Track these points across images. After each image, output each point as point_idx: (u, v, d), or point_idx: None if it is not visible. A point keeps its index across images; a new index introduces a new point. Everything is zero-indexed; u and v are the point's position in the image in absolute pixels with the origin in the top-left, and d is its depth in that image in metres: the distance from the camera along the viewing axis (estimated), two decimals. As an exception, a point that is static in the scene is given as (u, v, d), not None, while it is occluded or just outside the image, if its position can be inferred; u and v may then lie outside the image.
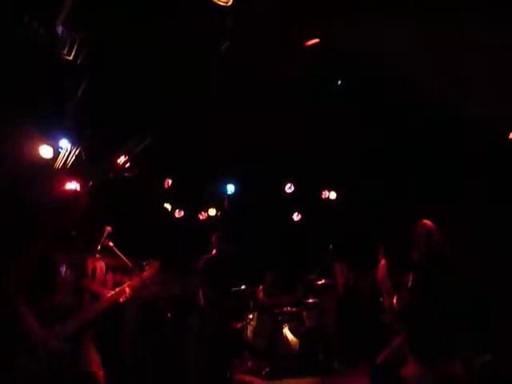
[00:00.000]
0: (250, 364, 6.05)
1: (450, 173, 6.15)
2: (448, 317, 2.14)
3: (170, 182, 6.26)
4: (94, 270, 3.22)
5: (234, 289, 6.00)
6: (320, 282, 6.48)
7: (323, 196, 7.46)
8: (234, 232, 5.87)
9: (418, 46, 4.23)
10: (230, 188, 6.69)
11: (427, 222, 4.68)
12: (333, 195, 7.50)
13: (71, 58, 4.52)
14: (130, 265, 2.75)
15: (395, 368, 1.95)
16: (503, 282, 5.78)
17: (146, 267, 3.07)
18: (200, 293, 4.87)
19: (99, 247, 2.77)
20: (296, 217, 7.72)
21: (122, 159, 5.67)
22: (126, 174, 5.77)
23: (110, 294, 2.70)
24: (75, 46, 4.48)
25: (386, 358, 2.11)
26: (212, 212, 7.23)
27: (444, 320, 1.96)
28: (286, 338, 5.83)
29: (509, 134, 6.26)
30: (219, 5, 4.14)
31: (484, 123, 5.72)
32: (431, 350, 1.93)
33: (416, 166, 6.23)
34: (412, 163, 6.22)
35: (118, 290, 2.76)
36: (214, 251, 5.12)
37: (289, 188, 7.15)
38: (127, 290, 2.78)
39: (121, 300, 2.73)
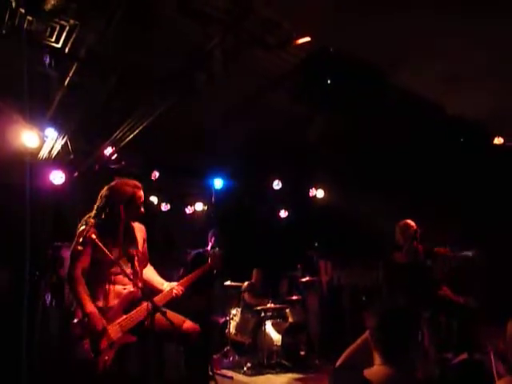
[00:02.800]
0: (231, 359, 6.06)
1: (435, 174, 6.22)
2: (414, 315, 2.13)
3: (157, 174, 6.21)
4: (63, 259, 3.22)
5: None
6: (304, 279, 6.51)
7: (310, 194, 7.48)
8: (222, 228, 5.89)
9: (406, 45, 4.25)
10: (218, 183, 6.67)
11: (409, 221, 4.75)
12: (320, 193, 7.53)
13: (59, 45, 4.46)
14: (111, 257, 2.72)
15: (358, 368, 1.89)
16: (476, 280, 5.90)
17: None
18: None
19: (81, 239, 2.72)
20: (283, 214, 7.74)
21: (108, 150, 5.60)
22: (112, 166, 5.71)
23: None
24: (64, 34, 4.42)
25: (348, 358, 2.07)
26: (199, 207, 7.21)
27: (407, 318, 1.93)
28: (268, 333, 5.84)
29: (493, 139, 6.35)
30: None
31: (469, 126, 5.80)
32: (396, 348, 1.84)
33: (403, 166, 6.28)
34: (399, 163, 6.27)
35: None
36: (208, 246, 5.14)
37: (277, 185, 7.16)
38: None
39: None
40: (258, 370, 5.55)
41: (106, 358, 2.59)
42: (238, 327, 6.12)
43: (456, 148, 6.26)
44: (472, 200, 6.16)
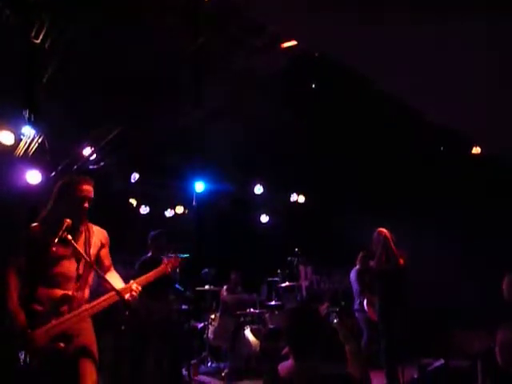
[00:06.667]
0: (210, 365, 5.97)
1: (415, 181, 6.31)
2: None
3: (136, 176, 6.10)
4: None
5: (198, 288, 5.92)
6: (284, 285, 6.49)
7: (292, 199, 7.49)
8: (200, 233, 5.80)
9: (390, 51, 4.30)
10: (199, 186, 6.59)
11: (382, 229, 4.80)
12: (301, 199, 7.55)
13: (39, 41, 4.35)
14: (88, 259, 2.63)
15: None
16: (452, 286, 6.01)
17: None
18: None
19: (56, 240, 2.62)
20: (264, 218, 7.72)
21: (87, 151, 5.48)
22: (91, 167, 5.58)
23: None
24: (44, 30, 4.31)
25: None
26: (179, 210, 7.12)
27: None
28: (247, 339, 5.78)
29: (472, 148, 6.49)
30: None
31: (449, 135, 5.91)
32: (301, 346, 1.96)
33: (384, 172, 6.36)
34: (380, 170, 6.34)
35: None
36: (149, 252, 4.66)
37: (258, 189, 7.14)
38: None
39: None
40: (236, 376, 5.48)
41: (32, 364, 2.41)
42: (217, 332, 6.04)
43: (435, 156, 6.38)
44: (450, 207, 6.27)
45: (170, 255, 3.19)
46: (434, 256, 6.11)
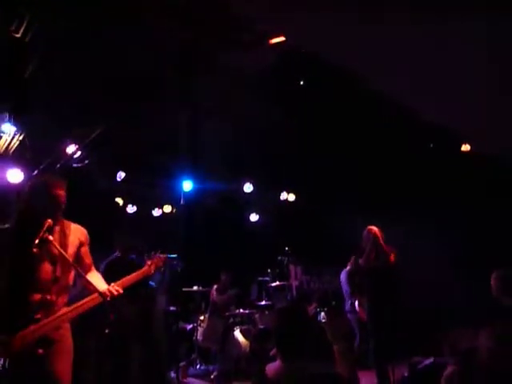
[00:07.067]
0: (199, 367, 5.88)
1: (407, 178, 6.28)
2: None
3: (122, 174, 5.95)
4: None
5: (185, 289, 5.81)
6: (274, 284, 6.41)
7: (282, 198, 7.41)
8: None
9: (379, 48, 4.25)
10: (187, 185, 6.47)
11: (373, 227, 4.77)
12: (292, 197, 7.47)
13: (19, 35, 4.20)
14: (70, 260, 2.52)
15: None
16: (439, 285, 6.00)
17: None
18: None
19: (37, 241, 2.50)
20: (254, 217, 7.63)
21: (71, 148, 5.34)
22: (74, 165, 5.44)
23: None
24: (24, 23, 4.16)
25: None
26: (167, 209, 7.00)
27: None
28: (236, 340, 5.70)
29: (461, 146, 6.49)
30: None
31: (439, 132, 5.89)
32: (288, 347, 1.98)
33: (376, 170, 6.31)
34: (372, 168, 6.29)
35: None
36: (118, 252, 4.49)
37: (248, 188, 7.05)
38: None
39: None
40: (226, 377, 5.40)
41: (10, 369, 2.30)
42: (206, 333, 5.95)
43: (426, 154, 6.35)
44: (443, 207, 6.25)
45: (154, 255, 3.05)
46: (424, 255, 6.10)
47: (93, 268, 2.82)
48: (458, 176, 6.40)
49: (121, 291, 2.62)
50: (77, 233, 2.72)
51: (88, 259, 2.78)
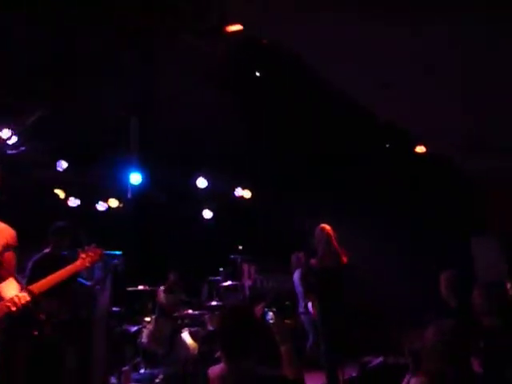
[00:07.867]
0: (143, 371, 5.58)
1: (362, 176, 6.26)
2: None
3: (64, 164, 5.49)
4: None
5: (130, 289, 5.46)
6: (225, 284, 6.20)
7: (236, 194, 7.18)
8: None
9: (340, 43, 4.14)
10: (135, 178, 6.05)
11: (326, 226, 4.69)
12: (247, 194, 7.26)
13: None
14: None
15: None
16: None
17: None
18: None
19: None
20: (207, 214, 7.35)
21: (5, 133, 4.87)
22: (9, 151, 4.97)
23: None
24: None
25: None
26: (113, 203, 6.57)
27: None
28: (184, 342, 5.46)
29: (415, 147, 6.54)
30: None
31: (396, 133, 5.89)
32: (232, 349, 1.91)
33: (332, 167, 6.25)
34: (328, 164, 6.23)
35: None
36: (49, 248, 4.12)
37: (201, 183, 6.76)
38: None
39: None
40: (172, 382, 5.13)
41: None
42: (152, 336, 5.65)
43: (379, 153, 6.36)
44: (395, 204, 6.29)
45: (89, 248, 2.73)
46: (372, 255, 6.13)
47: (11, 278, 2.42)
48: (411, 176, 6.48)
49: (28, 299, 2.30)
50: (4, 233, 2.39)
51: (10, 266, 2.41)
